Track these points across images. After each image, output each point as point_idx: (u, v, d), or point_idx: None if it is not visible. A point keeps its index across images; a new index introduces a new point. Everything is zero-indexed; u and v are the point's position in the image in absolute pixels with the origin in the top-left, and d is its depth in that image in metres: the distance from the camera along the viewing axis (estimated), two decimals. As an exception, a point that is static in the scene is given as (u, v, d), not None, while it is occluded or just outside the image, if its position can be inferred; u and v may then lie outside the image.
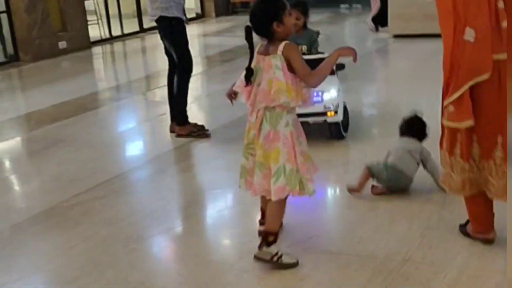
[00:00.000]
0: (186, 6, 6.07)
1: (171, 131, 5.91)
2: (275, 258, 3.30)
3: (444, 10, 3.14)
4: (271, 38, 3.30)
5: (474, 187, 3.27)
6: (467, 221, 3.49)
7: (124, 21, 13.70)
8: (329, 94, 5.14)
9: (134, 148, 5.97)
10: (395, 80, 8.02)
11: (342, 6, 15.39)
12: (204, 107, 7.27)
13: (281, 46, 3.26)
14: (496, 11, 3.04)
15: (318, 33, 5.75)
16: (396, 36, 10.51)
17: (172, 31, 5.69)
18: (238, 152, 3.55)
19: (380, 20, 11.34)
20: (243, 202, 4.16)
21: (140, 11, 13.90)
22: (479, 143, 3.20)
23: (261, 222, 3.63)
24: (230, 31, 13.31)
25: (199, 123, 5.97)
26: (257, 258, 3.33)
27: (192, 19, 14.62)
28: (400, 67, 8.91)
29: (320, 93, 5.05)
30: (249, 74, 3.31)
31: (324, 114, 5.10)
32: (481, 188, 3.27)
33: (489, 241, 3.38)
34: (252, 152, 3.38)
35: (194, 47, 11.37)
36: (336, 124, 5.24)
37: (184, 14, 5.85)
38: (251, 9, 3.37)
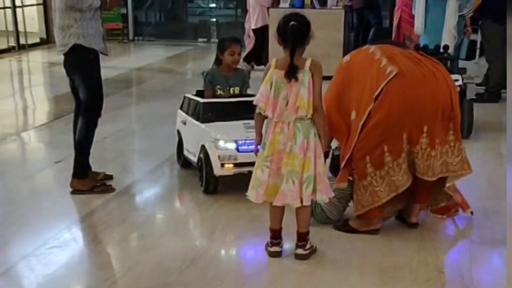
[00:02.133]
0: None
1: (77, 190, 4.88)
2: (312, 249, 3.81)
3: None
4: (299, 49, 3.55)
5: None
6: (345, 220, 4.22)
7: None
8: None
9: (46, 211, 4.65)
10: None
11: (200, 40, 14.77)
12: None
13: (308, 62, 3.55)
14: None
15: (249, 73, 5.27)
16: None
17: (87, 65, 4.75)
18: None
19: (256, 57, 10.92)
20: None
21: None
22: (390, 151, 3.92)
23: (274, 243, 3.78)
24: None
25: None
26: (302, 256, 3.74)
27: (34, 45, 13.33)
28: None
29: None
30: (294, 70, 3.50)
31: None
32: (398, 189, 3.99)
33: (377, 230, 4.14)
34: (268, 165, 3.59)
35: (46, 81, 10.19)
36: None
37: (104, 44, 4.91)
38: (295, 17, 3.56)
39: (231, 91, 5.12)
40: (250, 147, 4.44)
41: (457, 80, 6.25)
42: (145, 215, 4.49)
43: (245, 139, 4.63)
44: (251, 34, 10.99)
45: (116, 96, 8.33)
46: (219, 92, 5.11)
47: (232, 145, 4.66)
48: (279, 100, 3.53)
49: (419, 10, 7.45)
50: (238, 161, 4.63)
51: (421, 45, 7.26)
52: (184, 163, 5.36)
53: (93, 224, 4.39)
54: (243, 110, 4.84)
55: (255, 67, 10.98)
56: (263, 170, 3.60)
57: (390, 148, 3.92)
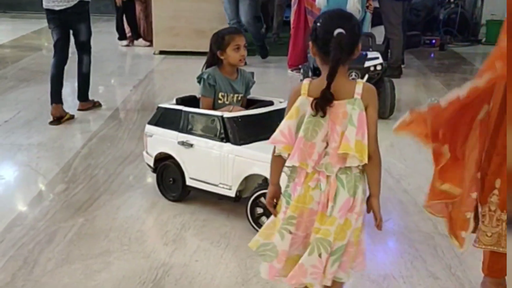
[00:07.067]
0: None
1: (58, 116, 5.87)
2: None
3: None
4: (343, 67, 2.36)
5: None
6: None
7: None
8: None
9: None
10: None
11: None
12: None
13: (359, 87, 2.37)
14: None
15: (253, 76, 4.22)
16: (163, 53, 9.42)
17: (88, 15, 6.09)
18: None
19: (121, 31, 10.30)
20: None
21: None
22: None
23: None
24: None
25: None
26: None
27: None
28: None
29: None
30: (328, 100, 2.33)
31: None
32: None
33: None
34: (292, 229, 2.45)
35: None
36: None
37: None
38: (342, 21, 2.33)
39: (235, 99, 4.05)
40: None
41: (377, 58, 6.04)
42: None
43: None
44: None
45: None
46: (222, 100, 4.01)
47: None
48: (317, 142, 2.39)
49: (321, -18, 7.08)
50: None
51: (323, 19, 7.02)
52: (182, 194, 4.14)
53: (16, 243, 3.62)
54: (275, 123, 4.10)
55: (135, 41, 10.30)
56: (283, 235, 2.47)
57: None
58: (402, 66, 8.29)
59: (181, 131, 4.00)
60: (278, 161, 2.53)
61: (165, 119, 4.14)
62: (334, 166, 2.39)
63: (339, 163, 2.39)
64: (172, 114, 4.09)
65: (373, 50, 6.20)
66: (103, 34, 10.75)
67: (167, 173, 4.17)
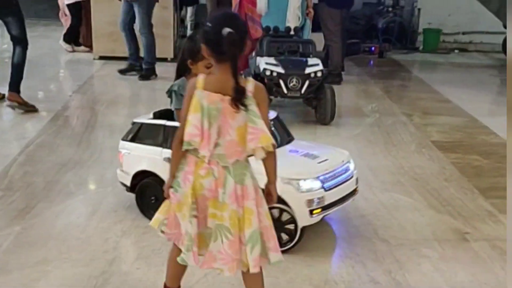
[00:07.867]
0: None
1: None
2: None
3: None
4: (237, 63, 2.51)
5: None
6: None
7: None
8: (352, 162, 3.83)
9: None
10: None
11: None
12: None
13: (251, 85, 2.54)
14: None
15: None
16: (103, 58, 9.31)
17: (18, 7, 6.26)
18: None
19: (74, 38, 10.06)
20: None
21: None
22: None
23: None
24: None
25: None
26: None
27: None
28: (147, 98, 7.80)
29: (347, 163, 3.77)
30: (243, 94, 2.50)
31: (354, 192, 3.79)
32: None
33: None
34: (194, 213, 2.61)
35: None
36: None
37: None
38: (230, 22, 2.49)
39: None
40: (332, 181, 3.56)
41: (317, 64, 6.11)
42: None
43: (325, 172, 3.54)
44: (67, 11, 10.04)
45: None
46: None
47: (317, 184, 3.49)
48: (212, 133, 2.53)
49: (262, -12, 7.12)
50: (326, 202, 3.55)
51: (264, 26, 7.06)
52: None
53: None
54: None
55: (75, 47, 10.12)
56: (192, 222, 2.61)
57: None
58: (343, 73, 8.41)
59: (166, 147, 3.71)
60: (181, 155, 2.63)
61: (144, 134, 3.89)
62: (229, 158, 2.55)
63: (235, 155, 2.56)
64: (153, 130, 3.85)
65: (313, 57, 6.27)
66: (43, 38, 10.56)
67: (148, 191, 3.90)
